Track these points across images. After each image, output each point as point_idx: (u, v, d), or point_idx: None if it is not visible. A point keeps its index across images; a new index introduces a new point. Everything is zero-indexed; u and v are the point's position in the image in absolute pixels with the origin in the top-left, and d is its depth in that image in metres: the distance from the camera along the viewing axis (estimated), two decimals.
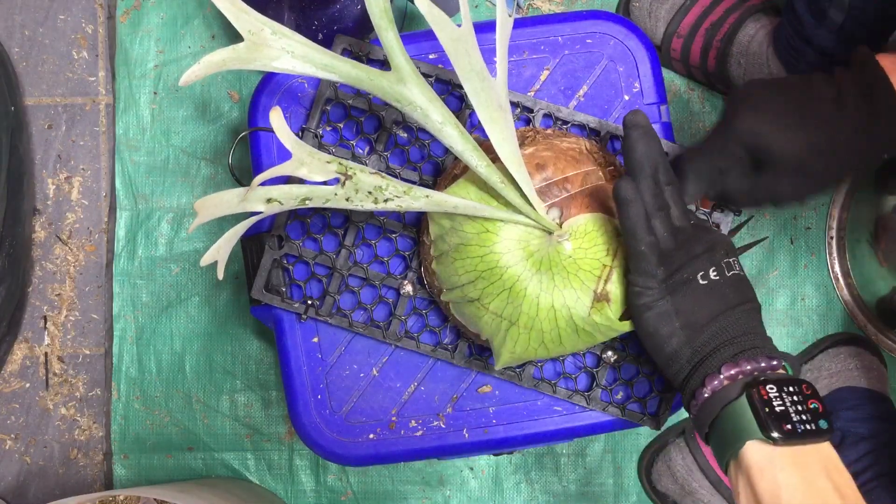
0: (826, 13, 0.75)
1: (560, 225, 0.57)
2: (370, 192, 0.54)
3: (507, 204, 0.56)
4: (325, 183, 0.55)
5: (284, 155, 0.68)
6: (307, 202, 0.54)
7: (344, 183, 0.54)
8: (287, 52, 0.51)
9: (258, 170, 0.70)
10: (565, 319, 0.57)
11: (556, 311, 0.56)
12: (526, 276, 0.56)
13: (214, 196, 0.54)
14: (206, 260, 0.56)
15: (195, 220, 0.55)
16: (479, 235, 0.56)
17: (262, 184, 0.54)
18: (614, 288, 0.57)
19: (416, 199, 0.55)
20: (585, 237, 0.56)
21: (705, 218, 0.67)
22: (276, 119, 0.53)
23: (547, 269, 0.56)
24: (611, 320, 0.57)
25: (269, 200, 0.54)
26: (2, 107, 0.91)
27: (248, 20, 0.51)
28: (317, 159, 0.54)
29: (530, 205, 0.56)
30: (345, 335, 0.69)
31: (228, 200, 0.54)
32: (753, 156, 0.58)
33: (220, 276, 0.57)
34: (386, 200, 0.54)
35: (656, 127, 0.69)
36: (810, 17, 0.77)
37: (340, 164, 0.54)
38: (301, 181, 0.57)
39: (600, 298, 0.56)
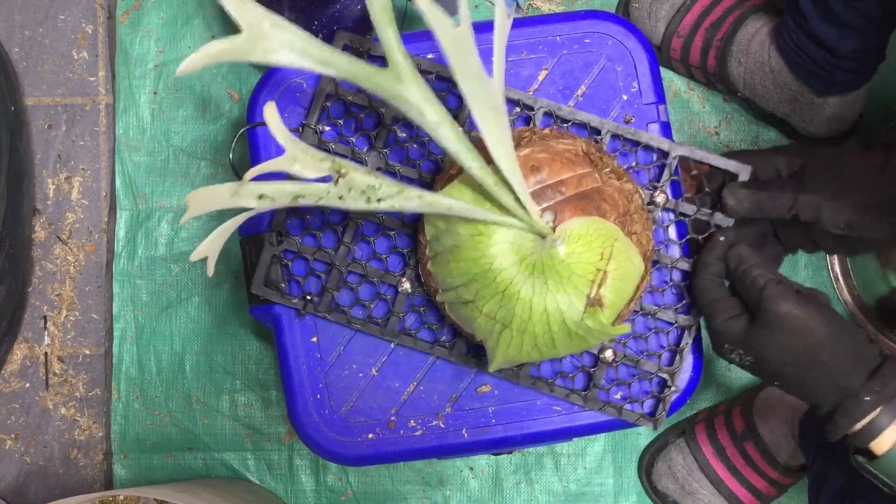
0: (829, 6, 0.75)
1: (553, 229, 0.56)
2: (363, 191, 0.54)
3: (502, 207, 0.56)
4: (322, 179, 0.55)
5: (283, 152, 0.68)
6: (299, 199, 0.54)
7: (337, 181, 0.54)
8: (286, 45, 0.51)
9: None
10: (558, 323, 0.57)
11: (548, 315, 0.56)
12: (519, 280, 0.56)
13: (206, 189, 0.54)
14: (196, 255, 0.56)
15: (187, 213, 0.55)
16: (473, 238, 0.56)
17: (256, 179, 0.54)
18: (608, 293, 0.57)
19: (410, 199, 0.55)
20: (579, 241, 0.56)
21: (707, 219, 0.67)
22: (271, 113, 0.53)
23: (540, 273, 0.56)
24: (604, 325, 0.57)
25: (261, 196, 0.53)
26: (2, 107, 0.92)
27: (248, 11, 0.50)
28: (310, 156, 0.54)
29: (524, 208, 0.56)
30: (344, 335, 0.69)
31: (220, 194, 0.54)
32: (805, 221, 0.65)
33: (210, 272, 0.57)
34: (379, 200, 0.54)
35: (655, 127, 0.69)
36: (814, 11, 0.77)
37: (334, 161, 0.54)
38: (295, 178, 0.57)
39: (594, 303, 0.56)
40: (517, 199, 0.55)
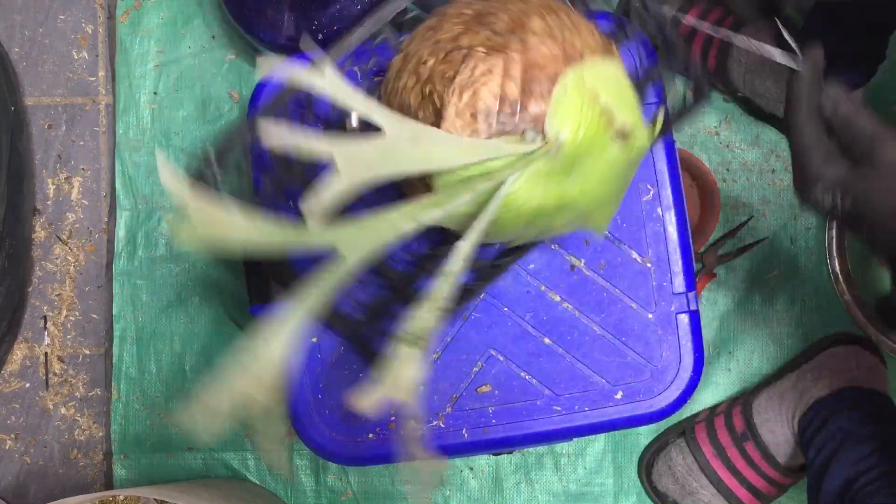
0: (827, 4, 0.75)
1: (544, 138, 0.54)
2: (431, 312, 0.53)
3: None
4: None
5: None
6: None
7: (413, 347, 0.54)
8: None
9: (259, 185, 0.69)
10: (616, 176, 0.57)
11: (604, 182, 0.57)
12: (562, 188, 0.55)
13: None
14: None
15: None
16: (501, 205, 0.55)
17: None
18: (623, 119, 0.55)
19: (452, 276, 0.53)
20: (567, 118, 0.54)
21: None
22: None
23: (569, 169, 0.55)
24: (643, 145, 0.57)
25: None
26: (2, 107, 0.92)
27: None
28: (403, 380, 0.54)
29: (517, 158, 0.54)
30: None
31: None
32: None
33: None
34: (446, 309, 0.54)
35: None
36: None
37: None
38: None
39: (621, 137, 0.55)
40: (504, 161, 0.53)
